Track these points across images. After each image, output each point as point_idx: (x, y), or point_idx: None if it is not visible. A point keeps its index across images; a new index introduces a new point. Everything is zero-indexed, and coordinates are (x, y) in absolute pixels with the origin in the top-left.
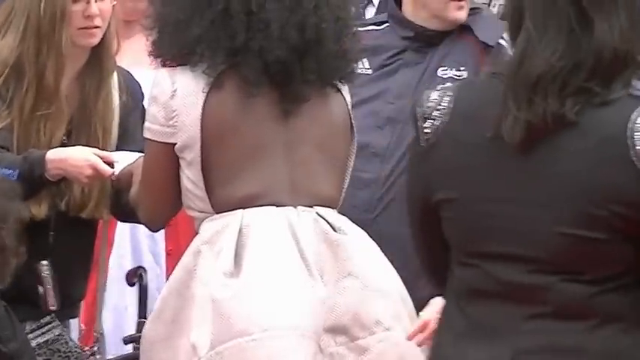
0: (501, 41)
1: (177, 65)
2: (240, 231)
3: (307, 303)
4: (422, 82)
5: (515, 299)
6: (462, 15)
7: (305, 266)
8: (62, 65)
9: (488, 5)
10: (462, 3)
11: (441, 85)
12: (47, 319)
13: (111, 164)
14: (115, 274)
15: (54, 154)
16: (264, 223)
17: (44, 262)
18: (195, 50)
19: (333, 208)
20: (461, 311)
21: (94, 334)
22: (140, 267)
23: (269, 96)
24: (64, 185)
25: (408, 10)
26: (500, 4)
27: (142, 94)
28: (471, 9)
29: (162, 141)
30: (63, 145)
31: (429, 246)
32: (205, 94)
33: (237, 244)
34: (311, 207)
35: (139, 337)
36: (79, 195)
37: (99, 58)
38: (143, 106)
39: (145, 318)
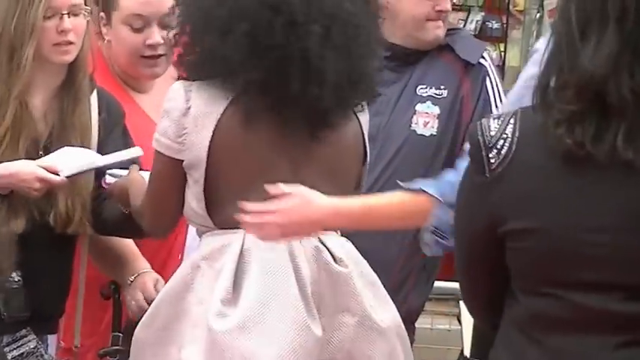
0: (482, 60)
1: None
2: (241, 253)
3: (304, 344)
4: (400, 100)
5: (606, 328)
6: (440, 33)
7: (304, 302)
8: (30, 82)
9: (465, 21)
10: (439, 22)
11: (499, 113)
12: (23, 332)
13: (56, 173)
14: None
15: (2, 169)
16: (265, 250)
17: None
18: (246, 92)
19: (335, 230)
20: (533, 342)
21: (73, 348)
22: (113, 281)
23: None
24: (49, 202)
25: (384, 29)
26: (477, 20)
27: (123, 112)
28: (451, 29)
29: (169, 155)
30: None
31: (488, 277)
32: (218, 117)
33: (237, 268)
34: None
35: (113, 350)
36: (64, 210)
37: (74, 75)
38: (124, 124)
39: (119, 332)
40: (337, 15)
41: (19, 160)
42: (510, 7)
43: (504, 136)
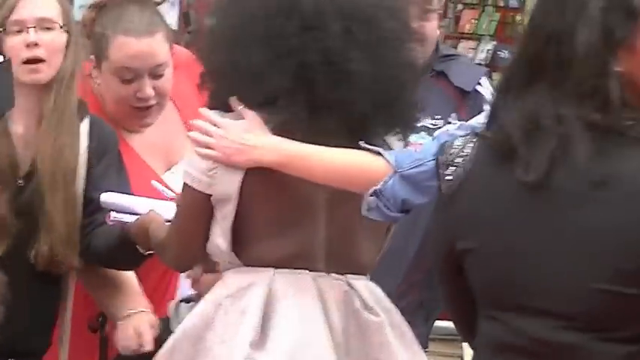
0: (478, 87)
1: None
2: (269, 294)
3: None
4: None
5: (544, 356)
6: None
7: (335, 350)
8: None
9: (476, 50)
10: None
11: (465, 132)
12: None
13: None
14: None
15: None
16: (294, 291)
17: None
18: (275, 103)
19: (365, 274)
20: None
21: None
22: (101, 313)
23: None
24: (29, 240)
25: None
26: (488, 49)
27: (116, 139)
28: (447, 55)
29: (198, 189)
30: (19, 188)
31: (454, 296)
32: None
33: (264, 308)
34: (343, 275)
35: None
36: (47, 249)
37: (58, 100)
38: (118, 151)
39: None
40: (357, 15)
41: None
42: None
43: (462, 154)
